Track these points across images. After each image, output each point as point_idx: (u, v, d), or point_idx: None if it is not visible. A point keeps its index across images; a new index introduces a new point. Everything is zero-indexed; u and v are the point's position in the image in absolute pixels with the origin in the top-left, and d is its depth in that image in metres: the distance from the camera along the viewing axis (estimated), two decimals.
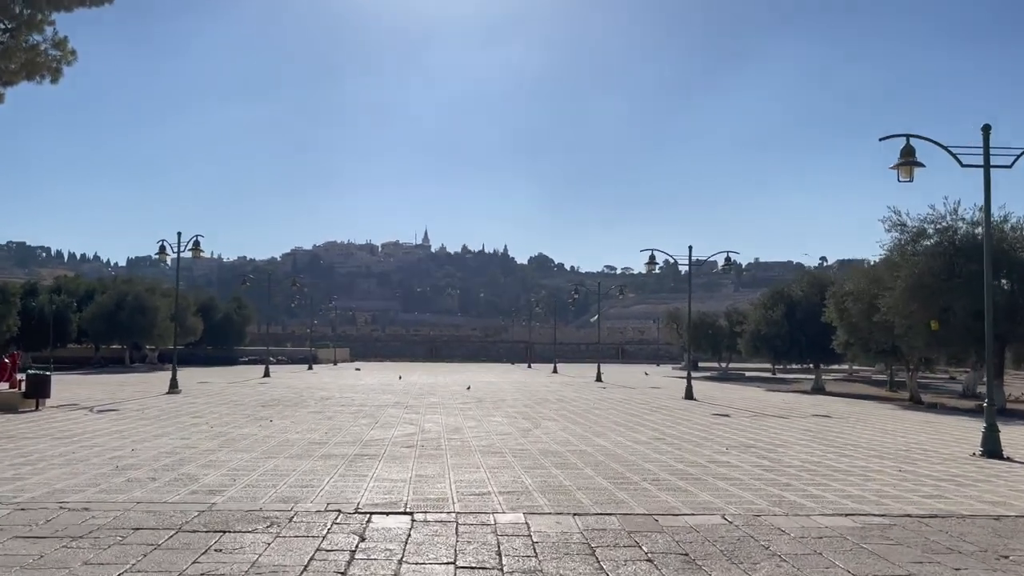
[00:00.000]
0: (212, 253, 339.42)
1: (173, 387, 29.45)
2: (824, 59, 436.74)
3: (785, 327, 38.13)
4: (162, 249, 29.93)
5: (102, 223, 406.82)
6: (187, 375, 46.08)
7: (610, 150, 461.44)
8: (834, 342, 33.27)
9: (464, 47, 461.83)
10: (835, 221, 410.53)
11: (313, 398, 28.24)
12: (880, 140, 14.57)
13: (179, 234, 29.68)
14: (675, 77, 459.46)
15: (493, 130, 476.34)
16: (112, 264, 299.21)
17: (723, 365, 59.93)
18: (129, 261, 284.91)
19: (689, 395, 30.17)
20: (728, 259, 30.89)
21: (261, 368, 49.15)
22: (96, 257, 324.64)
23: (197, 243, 29.45)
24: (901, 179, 14.58)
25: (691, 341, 39.35)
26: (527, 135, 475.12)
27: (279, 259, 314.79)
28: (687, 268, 31.16)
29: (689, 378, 31.05)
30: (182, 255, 30.52)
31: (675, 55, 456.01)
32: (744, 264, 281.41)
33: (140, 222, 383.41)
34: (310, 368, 62.84)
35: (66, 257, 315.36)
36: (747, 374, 58.88)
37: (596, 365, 50.15)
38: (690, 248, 30.69)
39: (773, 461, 13.58)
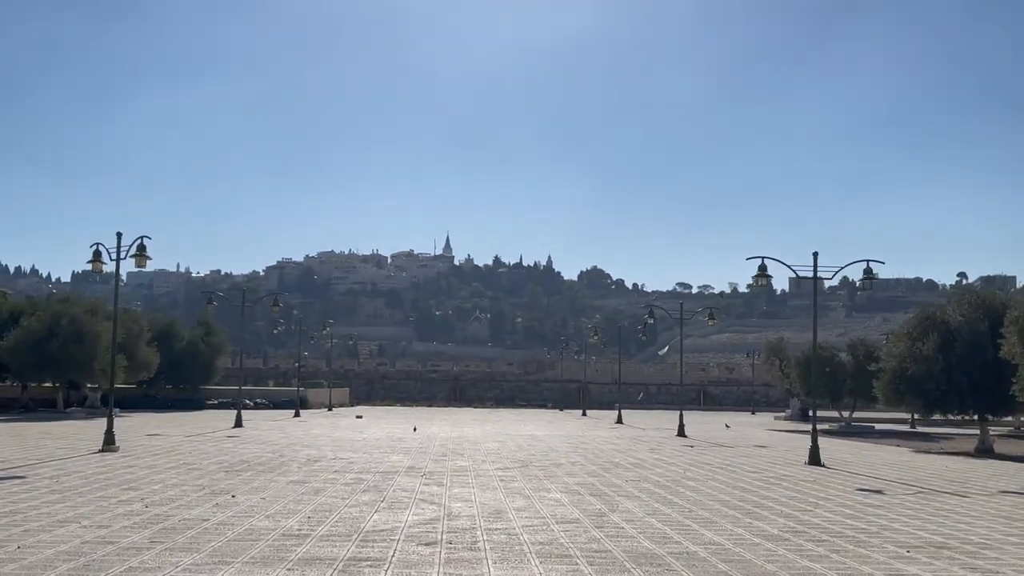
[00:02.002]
0: (179, 266, 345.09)
1: (108, 443, 27.70)
2: (963, 22, 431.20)
3: (940, 364, 35.46)
4: (97, 255, 28.21)
5: (42, 229, 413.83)
6: (135, 424, 44.55)
7: (682, 137, 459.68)
8: (1014, 385, 30.74)
9: (495, 6, 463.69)
10: (970, 229, 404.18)
11: (296, 459, 26.31)
12: None
13: (119, 235, 28.06)
14: (767, 45, 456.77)
15: (532, 112, 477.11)
16: (54, 280, 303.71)
17: (844, 415, 57.07)
18: (75, 276, 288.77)
19: (815, 459, 27.73)
20: (868, 272, 28.42)
21: (233, 414, 47.46)
22: (34, 271, 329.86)
23: (143, 246, 27.70)
24: None
25: (811, 383, 36.83)
26: (576, 118, 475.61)
27: (262, 273, 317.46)
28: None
29: (815, 435, 28.57)
30: (125, 262, 28.74)
31: (767, 16, 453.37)
32: (857, 282, 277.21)
33: (89, 228, 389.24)
34: (297, 415, 61.25)
35: None
36: (877, 427, 56.07)
37: (677, 414, 47.78)
38: (815, 255, 28.34)
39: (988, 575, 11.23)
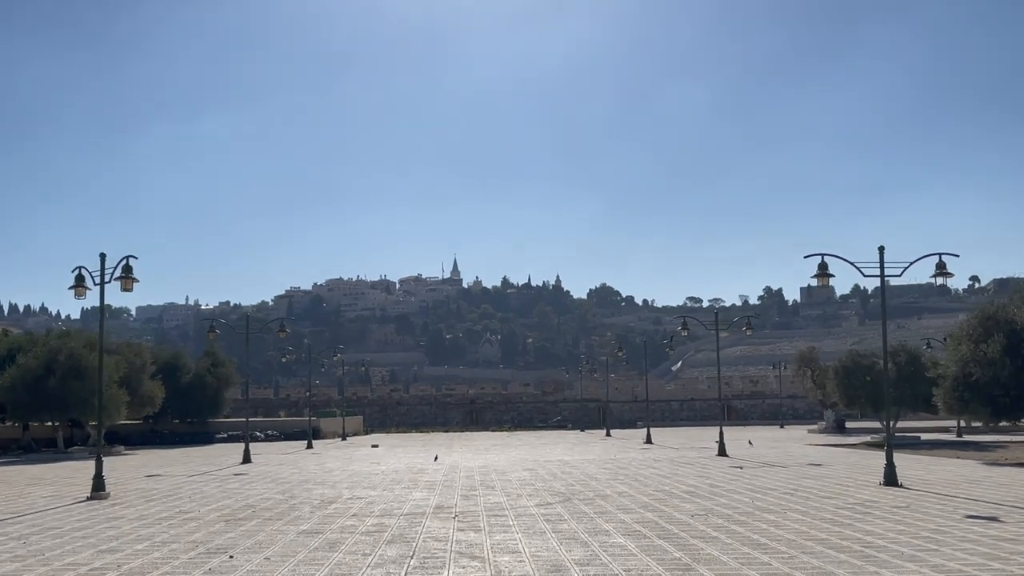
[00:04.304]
0: (188, 299, 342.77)
1: (97, 489, 24.52)
2: (965, 27, 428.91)
3: (1007, 368, 32.26)
4: (80, 280, 25.21)
5: (50, 267, 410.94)
6: (136, 463, 41.43)
7: (687, 152, 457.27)
8: None
9: (499, 28, 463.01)
10: (977, 233, 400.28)
11: (309, 501, 23.11)
12: None
13: (103, 256, 25.03)
14: (769, 58, 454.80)
15: (537, 132, 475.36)
16: (64, 317, 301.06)
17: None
18: (84, 313, 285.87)
19: (892, 479, 24.41)
20: (941, 265, 25.20)
21: (243, 448, 44.10)
22: (44, 309, 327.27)
23: (128, 267, 24.61)
24: None
25: (873, 392, 33.57)
26: (581, 136, 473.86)
27: (271, 303, 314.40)
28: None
29: (889, 452, 25.21)
30: (111, 285, 25.71)
31: (773, 28, 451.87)
32: (869, 289, 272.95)
33: (97, 264, 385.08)
34: (309, 446, 57.99)
35: (7, 309, 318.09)
36: (922, 437, 52.65)
37: (705, 430, 44.54)
38: (881, 250, 25.16)
39: None
